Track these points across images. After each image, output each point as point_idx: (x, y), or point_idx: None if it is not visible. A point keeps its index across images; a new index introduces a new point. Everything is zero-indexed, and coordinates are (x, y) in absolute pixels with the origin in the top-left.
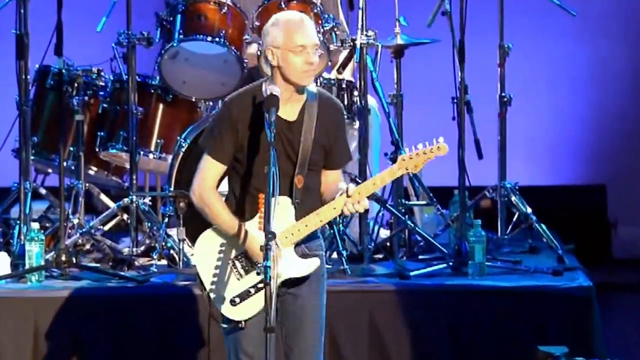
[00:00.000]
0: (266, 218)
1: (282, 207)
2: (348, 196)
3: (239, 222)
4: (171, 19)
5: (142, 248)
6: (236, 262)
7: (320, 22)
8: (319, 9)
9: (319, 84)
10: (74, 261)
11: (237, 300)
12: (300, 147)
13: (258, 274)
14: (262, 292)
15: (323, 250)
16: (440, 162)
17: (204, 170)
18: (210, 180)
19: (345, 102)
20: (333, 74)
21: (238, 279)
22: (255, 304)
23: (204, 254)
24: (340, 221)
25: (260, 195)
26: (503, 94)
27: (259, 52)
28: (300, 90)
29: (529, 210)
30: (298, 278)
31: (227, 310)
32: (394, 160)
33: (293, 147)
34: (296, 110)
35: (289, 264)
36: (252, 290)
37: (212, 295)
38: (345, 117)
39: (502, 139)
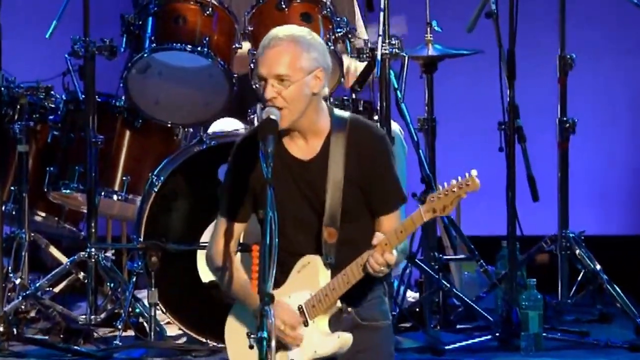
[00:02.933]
0: (262, 275)
1: (312, 269)
2: (373, 247)
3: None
4: (140, 22)
5: (103, 315)
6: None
7: (331, 26)
8: (329, 9)
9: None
10: (15, 332)
11: None
12: (326, 192)
13: (251, 347)
14: None
15: (388, 319)
16: (483, 206)
17: (215, 231)
18: (221, 243)
19: None
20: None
21: None
22: None
23: (233, 343)
24: None
25: (254, 247)
26: (564, 119)
27: (252, 64)
28: (314, 121)
29: (598, 267)
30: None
31: None
32: (424, 202)
33: (315, 192)
34: (315, 147)
35: (313, 341)
36: None
37: None
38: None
39: (563, 176)
